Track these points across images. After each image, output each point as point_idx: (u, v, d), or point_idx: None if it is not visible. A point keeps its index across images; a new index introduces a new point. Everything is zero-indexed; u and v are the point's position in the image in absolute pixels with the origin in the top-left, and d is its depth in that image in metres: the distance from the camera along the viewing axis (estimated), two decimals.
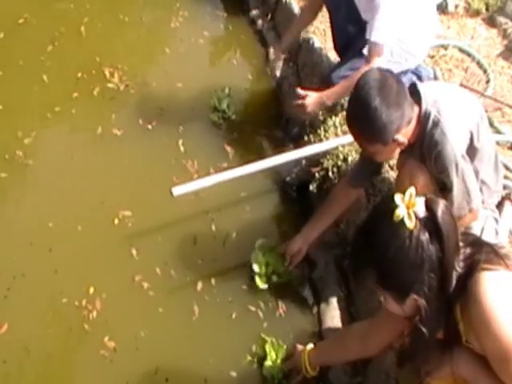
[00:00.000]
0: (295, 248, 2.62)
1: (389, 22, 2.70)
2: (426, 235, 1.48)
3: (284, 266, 2.66)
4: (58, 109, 3.37)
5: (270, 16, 3.99)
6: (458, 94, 2.26)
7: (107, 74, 3.57)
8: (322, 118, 2.98)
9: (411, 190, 1.49)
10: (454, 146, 2.05)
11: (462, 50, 3.58)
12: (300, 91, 2.86)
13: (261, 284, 2.64)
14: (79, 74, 3.56)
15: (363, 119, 2.04)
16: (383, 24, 2.68)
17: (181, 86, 3.58)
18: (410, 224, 1.47)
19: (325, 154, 2.86)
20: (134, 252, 2.78)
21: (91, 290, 2.62)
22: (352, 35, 3.01)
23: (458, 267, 1.55)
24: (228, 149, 3.24)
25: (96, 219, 2.87)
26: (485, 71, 3.43)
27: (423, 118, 2.08)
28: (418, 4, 2.88)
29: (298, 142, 3.12)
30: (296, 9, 3.71)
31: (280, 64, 3.56)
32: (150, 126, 3.33)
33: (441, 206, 1.50)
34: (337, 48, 3.16)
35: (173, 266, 2.74)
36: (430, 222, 1.49)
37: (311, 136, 3.02)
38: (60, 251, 2.74)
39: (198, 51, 3.92)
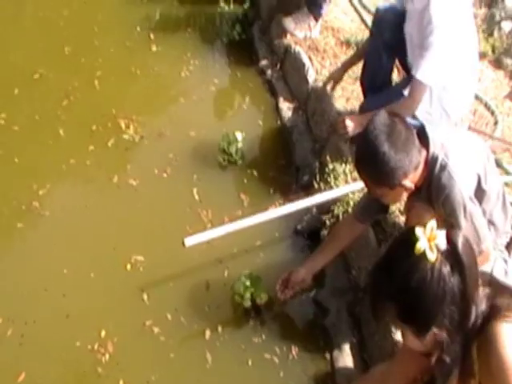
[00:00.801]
0: (299, 278, 2.66)
1: (438, 65, 2.75)
2: (448, 268, 1.50)
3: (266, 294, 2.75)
4: (73, 161, 3.48)
5: (278, 66, 4.10)
6: (465, 137, 2.34)
7: (123, 126, 3.69)
8: (331, 166, 3.05)
9: (432, 223, 1.53)
10: (462, 189, 2.11)
11: None
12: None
13: (245, 303, 2.74)
14: (94, 127, 3.67)
15: (371, 163, 2.11)
16: (433, 65, 2.74)
17: (193, 134, 3.70)
18: (432, 257, 1.49)
19: (335, 201, 2.93)
20: (146, 297, 2.85)
21: (103, 333, 2.68)
22: (383, 71, 3.12)
23: (478, 303, 1.57)
24: (243, 197, 3.33)
25: (109, 265, 2.96)
26: (492, 113, 3.51)
27: (431, 162, 2.14)
28: (465, 59, 2.91)
29: (309, 190, 3.19)
30: (305, 59, 3.81)
31: (290, 114, 3.67)
32: (165, 175, 3.44)
33: (461, 239, 1.53)
34: (363, 82, 3.26)
35: (183, 312, 2.79)
36: (451, 254, 1.51)
37: (321, 184, 3.08)
38: (73, 296, 2.83)
39: (208, 100, 4.06)
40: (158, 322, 2.75)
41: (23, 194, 3.29)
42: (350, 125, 2.95)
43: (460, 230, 1.61)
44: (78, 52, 4.24)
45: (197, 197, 3.32)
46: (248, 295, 2.73)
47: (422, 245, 1.49)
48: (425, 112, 2.91)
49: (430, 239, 1.50)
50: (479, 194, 2.22)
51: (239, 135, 3.50)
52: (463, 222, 2.13)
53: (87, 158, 3.51)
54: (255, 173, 3.49)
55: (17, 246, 3.10)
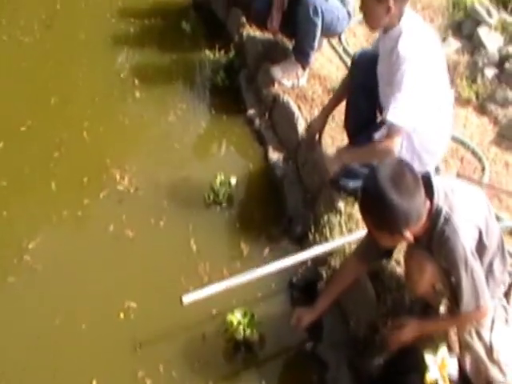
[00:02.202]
0: (308, 320, 2.81)
1: (408, 104, 2.86)
2: None
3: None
4: (65, 213, 3.58)
5: (267, 115, 4.21)
6: (466, 189, 2.42)
7: (117, 177, 3.80)
8: (326, 217, 3.16)
9: (443, 352, 1.59)
10: (465, 243, 2.20)
11: (455, 140, 3.78)
12: None
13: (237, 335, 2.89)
14: (86, 179, 3.78)
15: (375, 208, 2.19)
16: (403, 105, 2.85)
17: (186, 180, 3.85)
18: None
19: (332, 252, 3.03)
20: (138, 347, 2.92)
21: (94, 383, 2.76)
22: (365, 114, 3.26)
23: None
24: (242, 246, 3.43)
25: (102, 314, 3.06)
26: (480, 159, 3.64)
27: (434, 214, 2.23)
28: (437, 100, 3.00)
29: (303, 241, 3.31)
30: (294, 108, 3.93)
31: (281, 164, 3.79)
32: (161, 223, 3.54)
33: (469, 361, 1.59)
34: (347, 127, 3.41)
35: (176, 364, 2.87)
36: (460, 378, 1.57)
37: (317, 235, 3.18)
38: (65, 346, 2.92)
39: (197, 145, 4.27)
40: (151, 374, 2.83)
41: (13, 248, 3.37)
42: (331, 160, 3.17)
43: (468, 352, 1.62)
44: (64, 102, 4.36)
45: (194, 247, 3.41)
46: (241, 328, 2.85)
47: (433, 375, 1.54)
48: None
49: (441, 368, 1.54)
50: (480, 247, 2.30)
51: (233, 180, 3.68)
52: (463, 275, 2.22)
53: (80, 209, 3.61)
54: (249, 222, 3.62)
55: (8, 298, 3.18)
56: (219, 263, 3.30)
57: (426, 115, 2.96)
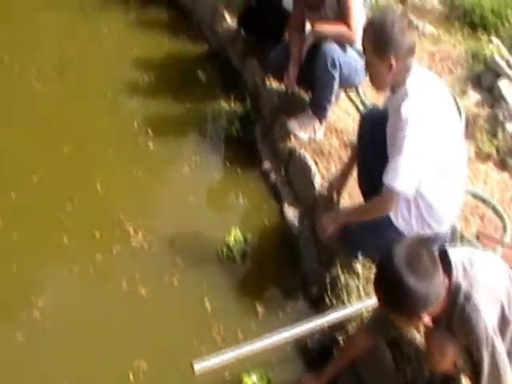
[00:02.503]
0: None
1: (410, 169, 2.81)
2: None
3: None
4: (76, 268, 3.53)
5: (283, 169, 4.18)
6: (485, 259, 2.35)
7: (131, 231, 3.76)
8: (343, 280, 3.11)
9: None
10: (487, 321, 2.14)
11: (475, 196, 3.74)
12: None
13: None
14: (98, 234, 3.73)
15: (390, 292, 2.15)
16: (403, 169, 2.80)
17: (199, 235, 3.80)
18: None
19: (348, 319, 2.96)
20: None
21: None
22: (376, 176, 3.11)
23: None
24: (258, 307, 3.38)
25: (111, 375, 3.01)
26: (501, 217, 3.58)
27: (453, 291, 2.18)
28: (447, 160, 2.93)
29: (319, 303, 3.26)
30: (310, 163, 3.89)
31: (296, 221, 3.74)
32: (175, 281, 3.49)
33: None
34: (361, 188, 3.39)
35: None
36: None
37: (333, 298, 3.13)
38: None
39: (212, 198, 4.24)
40: None
41: (22, 303, 3.33)
42: (323, 225, 3.17)
43: None
44: (77, 151, 4.33)
45: (208, 307, 3.36)
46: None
47: None
48: (403, 221, 3.01)
49: None
50: (503, 322, 2.23)
51: (248, 236, 3.68)
52: (485, 355, 2.16)
53: (91, 265, 3.56)
54: (264, 281, 3.58)
55: (15, 357, 3.10)
56: (233, 324, 3.24)
57: (431, 181, 2.91)
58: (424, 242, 2.24)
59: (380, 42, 2.79)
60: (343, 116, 4.35)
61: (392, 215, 3.02)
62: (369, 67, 2.97)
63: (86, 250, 3.66)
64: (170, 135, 4.67)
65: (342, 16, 3.82)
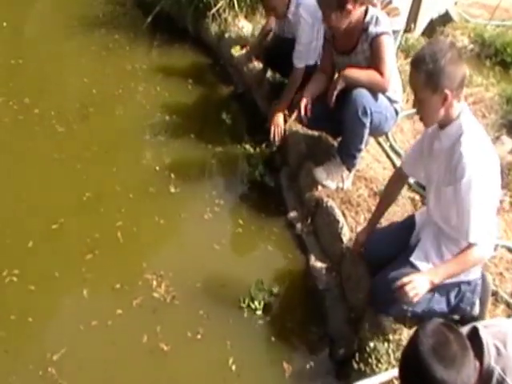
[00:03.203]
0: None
1: (485, 219, 2.79)
2: None
3: None
4: (95, 322, 3.46)
5: (309, 220, 4.09)
6: None
7: (154, 284, 3.70)
8: (372, 344, 3.02)
9: None
10: None
11: (511, 250, 3.63)
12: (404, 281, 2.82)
13: None
14: (118, 285, 3.68)
15: (418, 381, 2.04)
16: (481, 222, 2.77)
17: (223, 286, 3.74)
18: None
19: None
20: None
21: None
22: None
23: None
24: (285, 366, 3.30)
25: None
26: None
27: (485, 375, 2.09)
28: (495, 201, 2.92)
29: (346, 367, 3.17)
30: (338, 215, 3.80)
31: (323, 275, 3.66)
32: (199, 336, 3.43)
33: None
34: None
35: None
36: None
37: (361, 364, 3.04)
38: None
39: (235, 247, 4.14)
40: None
41: (38, 359, 3.27)
42: (417, 287, 2.82)
43: None
44: (97, 198, 4.30)
45: (232, 366, 3.29)
46: None
47: None
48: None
49: None
50: None
51: (274, 289, 3.65)
52: None
53: (111, 319, 3.49)
54: (289, 338, 3.49)
55: None
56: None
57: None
58: (451, 326, 2.13)
59: (433, 74, 2.70)
60: (373, 163, 4.28)
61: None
62: (420, 104, 2.83)
63: (106, 304, 3.60)
64: (193, 179, 4.64)
65: (374, 62, 3.75)
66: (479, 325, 2.23)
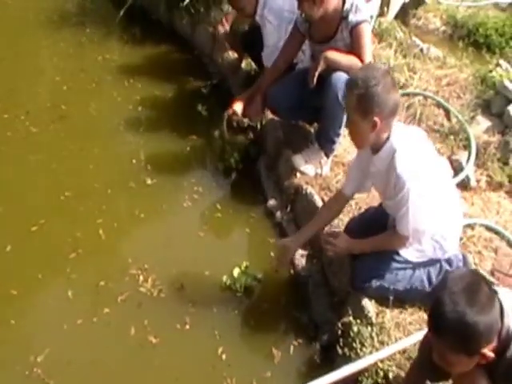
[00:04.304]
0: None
1: (418, 215, 2.92)
2: None
3: None
4: (79, 321, 3.49)
5: (289, 207, 4.14)
6: None
7: (140, 279, 3.73)
8: (356, 328, 3.07)
9: None
10: None
11: (489, 229, 3.72)
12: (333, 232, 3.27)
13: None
14: (102, 283, 3.70)
15: (453, 330, 2.09)
16: (411, 218, 2.92)
17: (207, 275, 3.80)
18: None
19: (362, 371, 2.92)
20: None
21: None
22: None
23: None
24: (274, 352, 3.38)
25: None
26: None
27: (505, 337, 2.14)
28: (444, 193, 3.07)
29: (331, 352, 3.24)
30: (317, 201, 3.86)
31: (304, 262, 3.70)
32: (187, 327, 3.48)
33: None
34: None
35: None
36: None
37: (346, 349, 3.10)
38: None
39: (217, 235, 4.22)
40: None
41: (22, 360, 3.29)
42: (339, 246, 3.20)
43: None
44: (76, 196, 4.29)
45: (224, 357, 3.35)
46: None
47: None
48: (416, 251, 3.09)
49: None
50: None
51: (255, 273, 3.72)
52: None
53: (95, 316, 3.53)
54: (276, 324, 3.57)
55: None
56: (251, 372, 3.28)
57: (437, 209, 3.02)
58: (479, 272, 2.23)
59: (364, 100, 2.82)
60: (350, 148, 4.30)
61: (403, 252, 3.12)
62: (351, 125, 3.00)
63: (91, 302, 3.62)
64: (169, 170, 4.66)
65: (354, 49, 3.78)
66: (497, 289, 2.27)
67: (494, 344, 2.12)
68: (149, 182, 4.52)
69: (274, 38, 4.42)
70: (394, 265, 3.14)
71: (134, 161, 4.72)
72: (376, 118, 2.83)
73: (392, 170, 2.87)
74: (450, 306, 2.08)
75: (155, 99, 5.40)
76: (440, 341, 2.17)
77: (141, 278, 3.74)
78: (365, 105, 2.81)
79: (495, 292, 2.17)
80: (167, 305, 3.62)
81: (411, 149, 2.91)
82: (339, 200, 3.43)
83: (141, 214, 4.24)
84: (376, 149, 2.98)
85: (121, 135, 5.04)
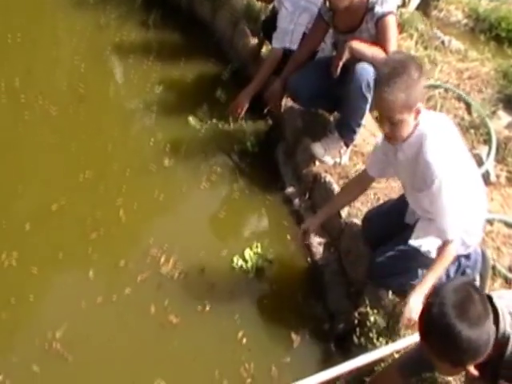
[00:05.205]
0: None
1: (457, 215, 2.85)
2: None
3: None
4: (99, 299, 3.52)
5: (307, 195, 4.16)
6: None
7: (162, 260, 3.76)
8: (372, 318, 3.09)
9: None
10: None
11: (508, 225, 3.71)
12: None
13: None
14: (123, 262, 3.73)
15: (438, 339, 2.09)
16: (455, 220, 2.84)
17: (227, 255, 3.84)
18: None
19: (378, 361, 2.95)
20: None
21: None
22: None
23: None
24: (293, 337, 3.41)
25: None
26: None
27: (501, 341, 2.14)
28: (472, 185, 2.99)
29: (346, 341, 3.26)
30: (335, 188, 3.87)
31: (322, 250, 3.71)
32: (207, 308, 3.52)
33: None
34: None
35: None
36: None
37: (361, 338, 3.12)
38: None
39: (233, 220, 4.26)
40: None
41: (41, 336, 3.32)
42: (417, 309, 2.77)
43: None
44: (96, 177, 4.32)
45: (244, 341, 3.38)
46: None
47: None
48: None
49: None
50: None
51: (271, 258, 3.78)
52: None
53: (115, 294, 3.56)
54: (293, 309, 3.59)
55: None
56: (269, 356, 3.32)
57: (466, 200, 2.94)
58: (473, 285, 2.20)
59: (409, 95, 2.72)
60: (369, 138, 4.31)
61: (425, 249, 3.05)
62: (395, 125, 2.80)
63: (111, 281, 3.67)
64: (187, 152, 4.67)
65: (379, 40, 3.75)
66: (493, 294, 2.27)
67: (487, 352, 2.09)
68: (167, 163, 4.54)
69: (287, 21, 4.46)
70: (414, 263, 3.11)
71: (151, 142, 4.73)
72: (419, 105, 2.77)
73: (421, 156, 2.81)
74: (441, 316, 2.06)
75: (174, 82, 5.38)
76: (425, 345, 2.19)
77: (163, 259, 3.77)
78: (411, 98, 2.72)
79: (490, 299, 2.18)
80: (187, 286, 3.66)
81: (441, 134, 2.85)
82: (363, 180, 3.38)
83: (160, 195, 4.26)
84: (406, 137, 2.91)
85: (139, 117, 5.06)
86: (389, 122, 2.81)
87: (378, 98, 2.83)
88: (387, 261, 3.13)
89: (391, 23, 3.73)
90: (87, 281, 3.63)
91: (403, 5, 5.70)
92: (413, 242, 3.06)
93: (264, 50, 5.28)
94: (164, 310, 3.48)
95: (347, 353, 3.19)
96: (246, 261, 3.73)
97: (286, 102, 4.67)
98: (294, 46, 4.45)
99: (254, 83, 4.66)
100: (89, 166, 4.39)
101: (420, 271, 3.11)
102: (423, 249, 3.03)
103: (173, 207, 4.26)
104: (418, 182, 2.91)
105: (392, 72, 2.71)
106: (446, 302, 2.07)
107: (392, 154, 3.07)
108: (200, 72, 5.51)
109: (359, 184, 3.43)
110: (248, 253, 3.77)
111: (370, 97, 3.82)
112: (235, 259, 3.75)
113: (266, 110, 4.73)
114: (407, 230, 3.15)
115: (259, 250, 3.80)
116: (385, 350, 2.91)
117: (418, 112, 2.79)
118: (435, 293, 2.16)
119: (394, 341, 3.00)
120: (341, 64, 3.80)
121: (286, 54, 4.50)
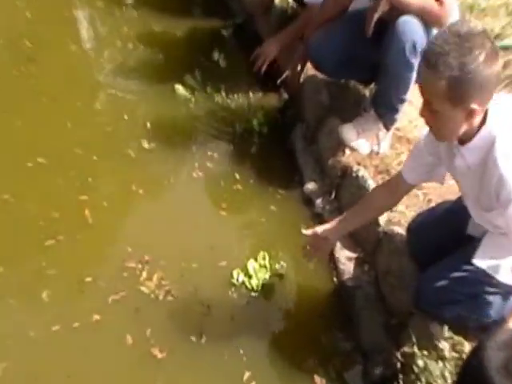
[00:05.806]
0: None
1: None
2: None
3: None
4: (56, 328, 3.45)
5: (333, 194, 4.13)
6: None
7: (142, 275, 3.70)
8: (421, 362, 3.05)
9: None
10: None
11: None
12: None
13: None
14: (89, 279, 3.66)
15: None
16: None
17: (226, 266, 3.81)
18: None
19: None
20: None
21: None
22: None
23: None
24: (317, 380, 3.37)
25: None
26: None
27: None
28: None
29: None
30: (371, 184, 3.77)
31: (352, 268, 3.70)
32: (203, 339, 3.48)
33: None
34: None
35: None
36: None
37: None
38: None
39: (234, 219, 4.24)
40: None
41: None
42: None
43: None
44: (51, 165, 4.27)
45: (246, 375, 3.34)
46: None
47: None
48: None
49: None
50: None
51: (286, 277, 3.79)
52: None
53: (76, 321, 3.49)
54: (312, 345, 3.56)
55: None
56: None
57: None
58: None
59: (460, 84, 2.49)
60: (417, 121, 4.22)
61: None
62: (434, 115, 2.62)
63: (71, 303, 3.60)
64: (174, 131, 4.69)
65: None
66: None
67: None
68: (146, 145, 4.53)
69: None
70: (480, 287, 3.01)
71: (125, 117, 4.73)
72: (474, 105, 2.54)
73: (491, 167, 2.63)
74: (482, 380, 2.01)
75: (157, 37, 5.42)
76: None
77: (143, 274, 3.71)
78: (460, 91, 2.50)
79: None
80: (176, 310, 3.60)
81: None
82: (395, 187, 3.23)
83: (138, 188, 4.23)
84: (465, 139, 2.71)
85: (109, 83, 5.06)
86: (427, 106, 2.64)
87: (420, 69, 2.62)
88: (445, 285, 3.08)
89: None
90: (39, 303, 3.55)
91: None
92: (478, 261, 3.01)
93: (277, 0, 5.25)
94: (145, 341, 3.42)
95: None
96: (249, 276, 3.71)
97: (307, 71, 4.63)
98: None
99: (287, 31, 4.60)
100: (41, 150, 4.32)
101: (489, 299, 3.06)
102: (493, 272, 2.99)
103: (156, 204, 4.22)
104: (485, 198, 2.76)
105: (447, 46, 2.47)
106: (489, 362, 2.02)
107: (446, 157, 2.92)
108: (192, 26, 5.53)
109: (389, 193, 3.25)
110: (252, 265, 3.75)
111: (416, 62, 3.67)
112: (235, 274, 3.72)
113: (279, 80, 4.68)
114: (470, 243, 3.09)
115: (266, 261, 3.78)
116: None
117: (471, 114, 2.57)
118: (477, 348, 2.13)
119: None
120: (375, 18, 3.70)
121: None
